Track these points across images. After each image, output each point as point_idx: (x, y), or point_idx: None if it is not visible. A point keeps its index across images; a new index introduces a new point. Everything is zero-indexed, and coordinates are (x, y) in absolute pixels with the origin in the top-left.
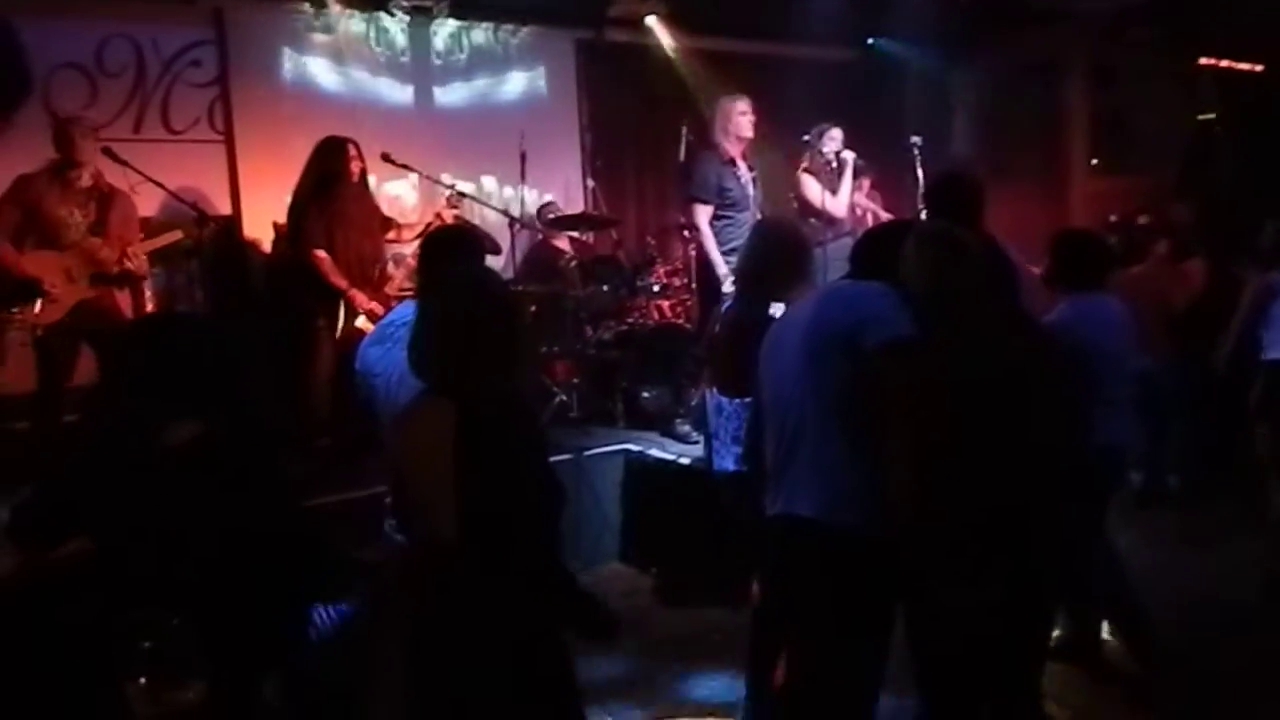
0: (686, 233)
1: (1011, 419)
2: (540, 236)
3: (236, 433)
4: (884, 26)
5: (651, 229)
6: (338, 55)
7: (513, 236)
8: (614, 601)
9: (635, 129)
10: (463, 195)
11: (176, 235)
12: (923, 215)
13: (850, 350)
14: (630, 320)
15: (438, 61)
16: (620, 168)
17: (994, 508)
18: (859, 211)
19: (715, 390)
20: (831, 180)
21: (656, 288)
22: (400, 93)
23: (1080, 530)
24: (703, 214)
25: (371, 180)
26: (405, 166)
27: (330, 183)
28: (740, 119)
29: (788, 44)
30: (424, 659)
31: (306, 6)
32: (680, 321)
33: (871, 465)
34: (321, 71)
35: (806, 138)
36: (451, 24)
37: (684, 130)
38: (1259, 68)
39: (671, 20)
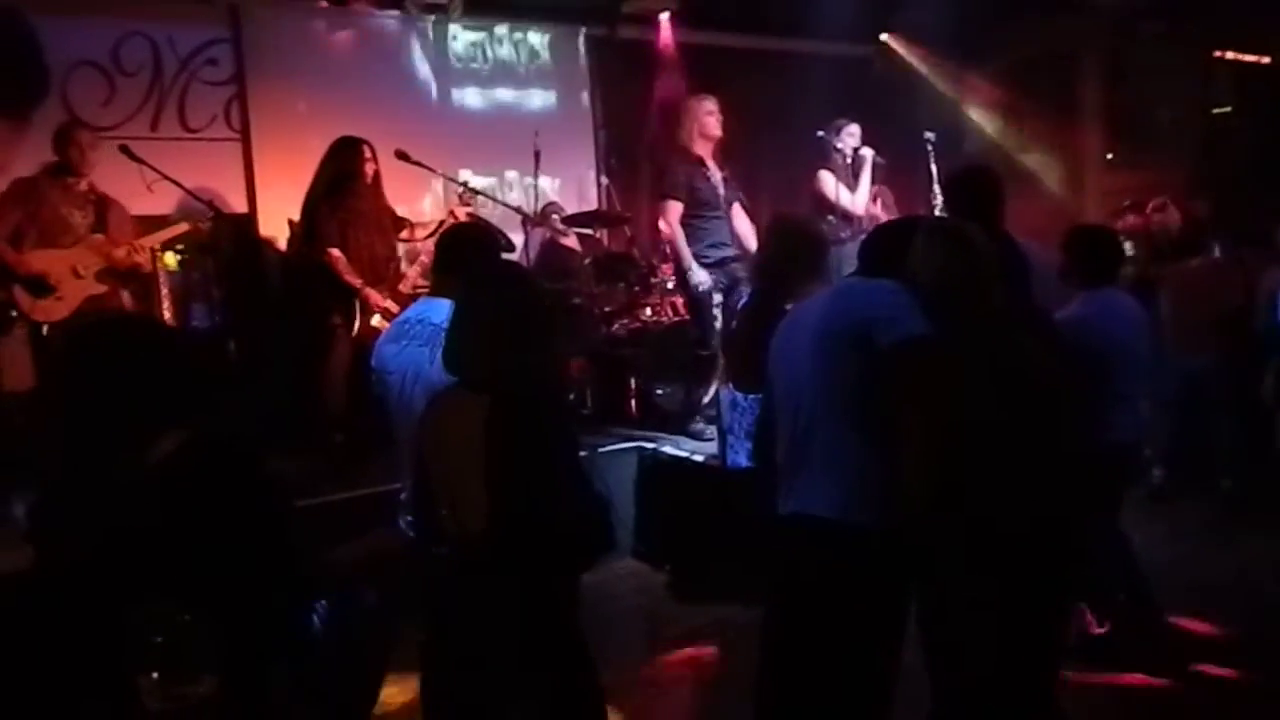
0: (661, 232)
1: (1022, 415)
2: (551, 234)
3: (217, 439)
4: (897, 21)
5: None
6: (353, 54)
7: (526, 234)
8: (628, 598)
9: (649, 127)
10: (475, 192)
11: (183, 228)
12: (938, 210)
13: (862, 347)
14: (644, 317)
15: (452, 60)
16: (634, 165)
17: (1007, 503)
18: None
19: (731, 386)
20: (848, 178)
21: (670, 285)
22: (414, 91)
23: (1094, 525)
24: (674, 212)
25: (385, 178)
26: (420, 164)
27: (343, 182)
28: (708, 119)
29: (801, 40)
30: (445, 653)
31: (323, 5)
32: (689, 317)
33: (885, 462)
34: (337, 70)
35: (821, 134)
36: (465, 22)
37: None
38: (1270, 60)
39: (684, 17)
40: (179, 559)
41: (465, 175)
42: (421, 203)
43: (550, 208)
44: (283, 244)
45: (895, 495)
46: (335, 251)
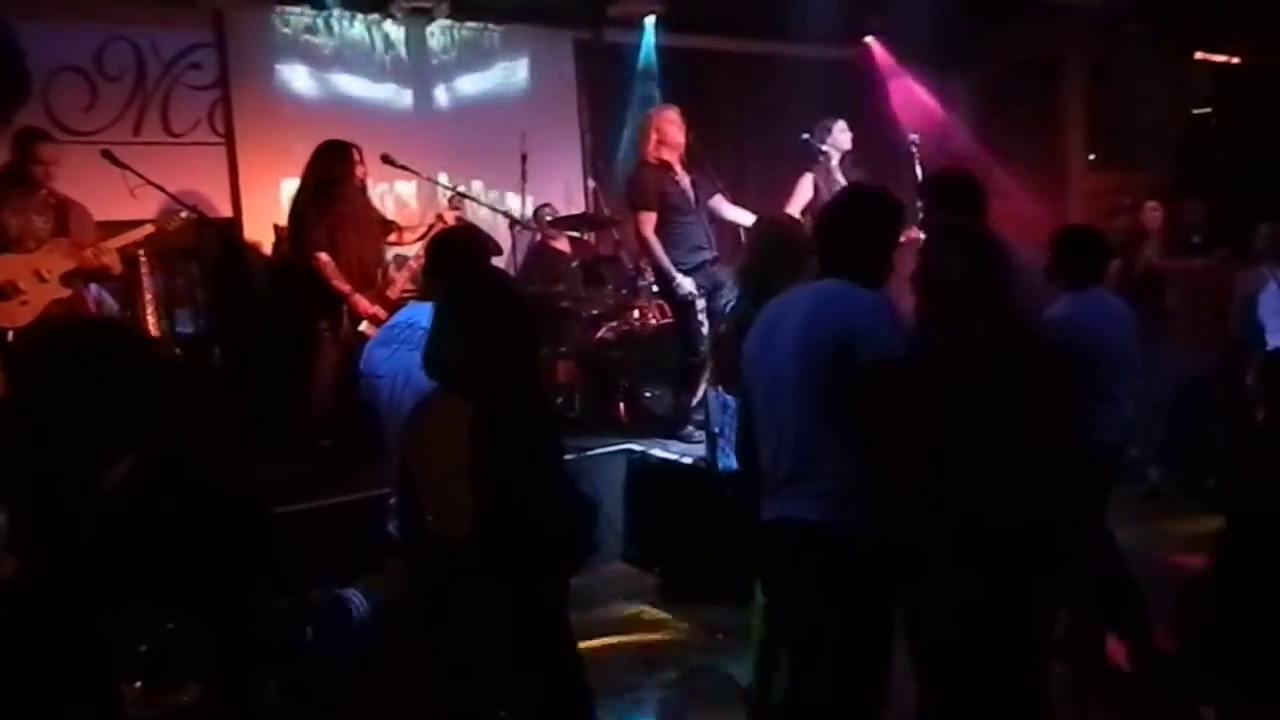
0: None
1: (1016, 414)
2: (540, 237)
3: (170, 460)
4: (881, 24)
5: None
6: (338, 57)
7: (513, 237)
8: (617, 601)
9: (635, 129)
10: (464, 196)
11: (148, 229)
12: (920, 211)
13: (844, 356)
14: (632, 321)
15: (438, 63)
16: (620, 168)
17: (995, 502)
18: None
19: (720, 389)
20: (834, 179)
21: (658, 288)
22: (400, 94)
23: (1078, 527)
24: (647, 222)
25: (371, 182)
26: (406, 168)
27: (331, 186)
28: (669, 127)
29: (786, 43)
30: (431, 655)
31: (307, 9)
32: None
33: (869, 465)
34: (322, 74)
35: (806, 137)
36: (451, 25)
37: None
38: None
39: (670, 20)
40: (151, 572)
41: (450, 179)
42: (408, 207)
43: (545, 209)
44: (268, 248)
45: (880, 497)
46: (324, 256)
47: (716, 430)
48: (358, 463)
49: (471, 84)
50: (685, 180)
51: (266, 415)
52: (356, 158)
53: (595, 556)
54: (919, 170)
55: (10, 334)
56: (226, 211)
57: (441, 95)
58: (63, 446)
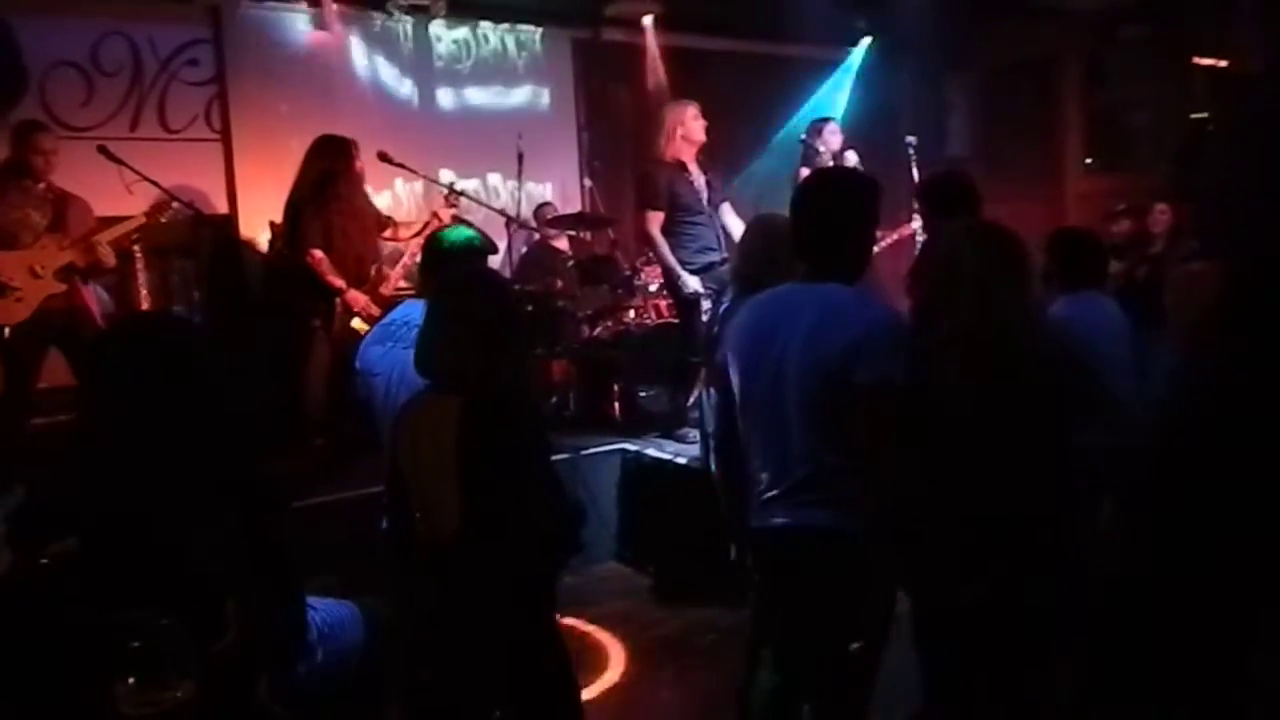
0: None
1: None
2: (537, 236)
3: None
4: (879, 25)
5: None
6: (335, 54)
7: (509, 236)
8: (611, 601)
9: (632, 129)
10: (460, 194)
11: (139, 222)
12: (915, 215)
13: (848, 369)
14: (627, 320)
15: (435, 61)
16: (617, 168)
17: (988, 514)
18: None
19: (714, 389)
20: None
21: (653, 287)
22: (397, 92)
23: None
24: (654, 222)
25: (367, 179)
26: (402, 166)
27: (329, 182)
28: (693, 123)
29: (784, 43)
30: (421, 654)
31: (304, 5)
32: (677, 321)
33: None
34: (319, 70)
35: (803, 137)
36: (449, 23)
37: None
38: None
39: (668, 20)
40: (169, 566)
41: (448, 177)
42: (404, 204)
43: (546, 208)
44: (263, 245)
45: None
46: (318, 253)
47: (711, 431)
48: (352, 460)
49: (469, 83)
50: (700, 180)
51: (260, 413)
52: (354, 152)
53: (589, 556)
54: (915, 172)
55: (7, 331)
56: (222, 208)
57: (439, 94)
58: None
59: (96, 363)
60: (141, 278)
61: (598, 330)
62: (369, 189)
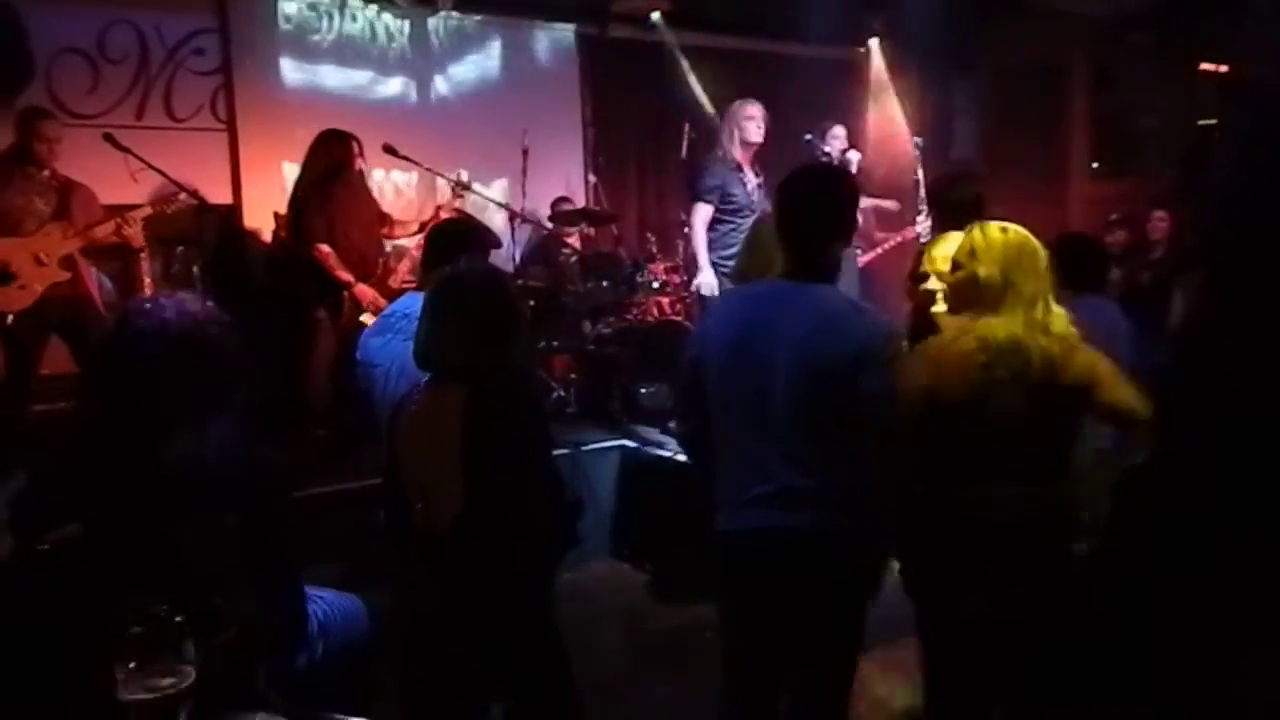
0: (686, 230)
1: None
2: (546, 230)
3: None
4: (886, 26)
5: (652, 225)
6: (341, 47)
7: (513, 231)
8: (608, 597)
9: (638, 125)
10: (466, 187)
11: (145, 212)
12: (922, 216)
13: (850, 377)
14: (630, 316)
15: (441, 54)
16: (622, 164)
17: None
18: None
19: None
20: None
21: (656, 284)
22: (403, 85)
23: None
24: (701, 214)
25: (369, 173)
26: (407, 159)
27: (333, 176)
28: (747, 124)
29: (790, 42)
30: (417, 644)
31: None
32: (680, 318)
33: (863, 469)
34: (324, 62)
35: (808, 137)
36: (455, 17)
37: (686, 127)
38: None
39: (674, 16)
40: (169, 554)
41: (452, 172)
42: (407, 198)
43: (561, 202)
44: (268, 235)
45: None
46: (325, 247)
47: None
48: (353, 451)
49: (474, 77)
50: (753, 183)
51: (263, 403)
52: (356, 148)
53: (586, 552)
54: (920, 174)
55: (9, 318)
56: (227, 198)
57: (444, 87)
58: (164, 411)
59: (105, 348)
60: (145, 266)
61: (600, 326)
62: (376, 177)
